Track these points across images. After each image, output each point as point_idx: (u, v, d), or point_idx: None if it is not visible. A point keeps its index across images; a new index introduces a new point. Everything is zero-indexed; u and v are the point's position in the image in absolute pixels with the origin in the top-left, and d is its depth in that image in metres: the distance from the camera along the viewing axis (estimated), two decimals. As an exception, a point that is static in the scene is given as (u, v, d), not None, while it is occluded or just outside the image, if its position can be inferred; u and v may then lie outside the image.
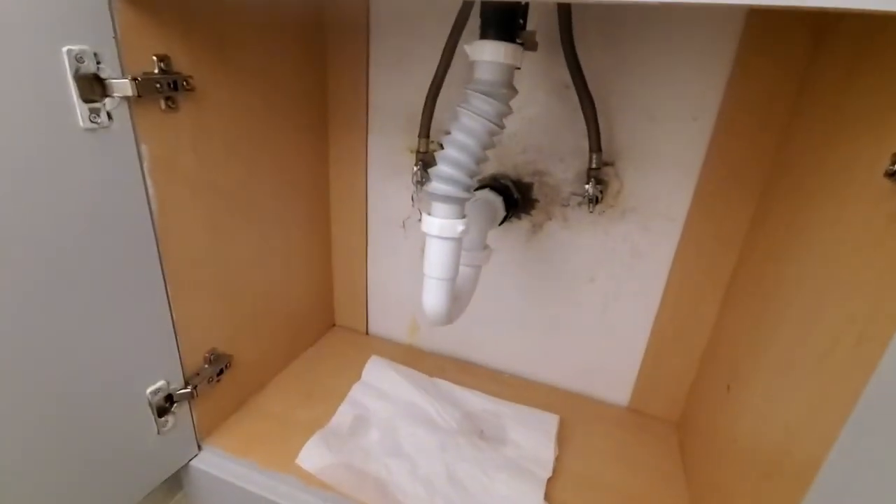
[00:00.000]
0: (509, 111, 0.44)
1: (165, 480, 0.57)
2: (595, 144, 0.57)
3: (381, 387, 0.71)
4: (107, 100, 0.41)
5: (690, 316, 0.64)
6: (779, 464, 0.39)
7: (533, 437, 0.64)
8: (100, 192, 0.43)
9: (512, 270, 0.72)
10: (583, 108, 0.56)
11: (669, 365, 0.68)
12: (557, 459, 0.62)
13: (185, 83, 0.47)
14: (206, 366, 0.59)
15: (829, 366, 0.35)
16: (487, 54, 0.41)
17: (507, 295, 0.74)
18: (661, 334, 0.67)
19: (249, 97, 0.57)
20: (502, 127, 0.43)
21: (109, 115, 0.42)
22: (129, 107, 0.43)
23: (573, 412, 0.70)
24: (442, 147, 0.44)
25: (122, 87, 0.42)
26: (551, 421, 0.67)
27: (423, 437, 0.62)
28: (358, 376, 0.73)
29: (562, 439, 0.65)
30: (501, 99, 0.42)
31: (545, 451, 0.62)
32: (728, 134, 0.55)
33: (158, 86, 0.45)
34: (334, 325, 0.89)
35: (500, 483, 0.57)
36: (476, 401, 0.71)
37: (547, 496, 0.56)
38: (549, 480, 0.58)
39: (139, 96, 0.43)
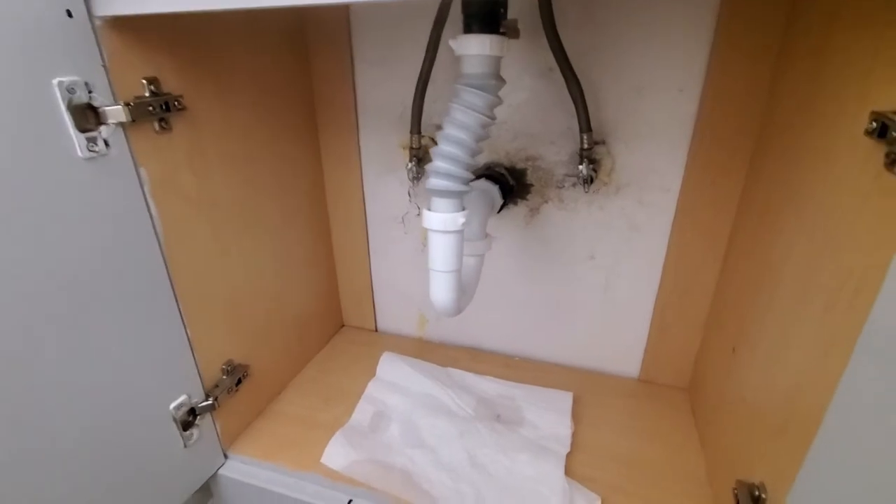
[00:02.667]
0: (499, 101, 0.44)
1: (195, 491, 0.58)
2: (585, 124, 0.57)
3: (396, 381, 0.73)
4: (102, 127, 0.42)
5: (692, 284, 0.66)
6: (785, 420, 0.41)
7: (548, 415, 0.66)
8: (106, 218, 0.43)
9: (513, 255, 0.73)
10: (569, 90, 0.56)
11: (675, 333, 0.70)
12: (574, 435, 0.64)
13: (176, 103, 0.48)
14: (225, 377, 0.60)
15: (829, 319, 0.36)
16: (473, 48, 0.42)
17: (510, 280, 0.75)
18: (665, 304, 0.69)
19: (240, 110, 0.58)
20: (494, 118, 0.44)
21: (106, 143, 0.42)
22: (125, 132, 0.44)
23: (585, 388, 0.71)
24: (434, 141, 0.44)
25: (116, 113, 0.43)
26: (565, 398, 0.69)
27: (443, 426, 0.64)
28: (372, 373, 0.75)
29: (576, 415, 0.67)
30: (491, 90, 0.43)
31: (562, 428, 0.64)
32: (715, 101, 0.56)
33: (151, 108, 0.45)
34: (343, 325, 0.90)
35: (521, 464, 0.58)
36: (490, 386, 0.72)
37: (567, 471, 0.58)
38: (568, 455, 0.60)
39: (133, 121, 0.44)
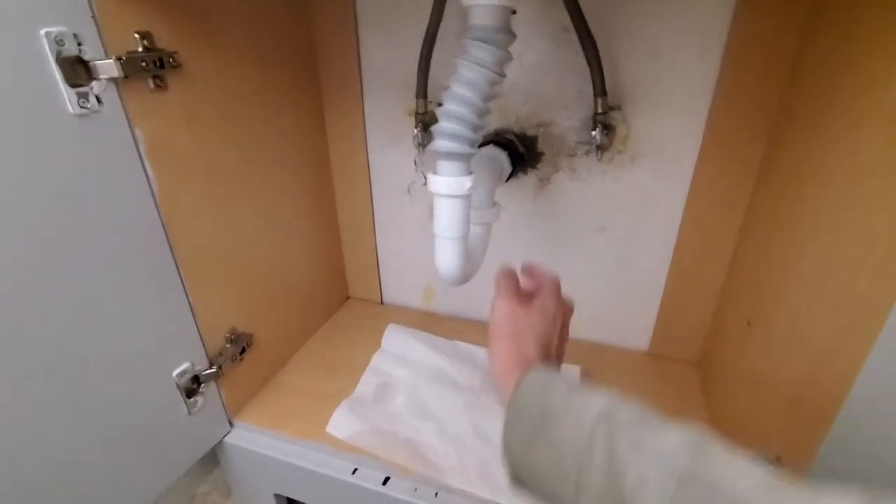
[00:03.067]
0: (509, 57, 0.42)
1: (202, 458, 0.58)
2: (599, 88, 0.54)
3: (401, 353, 0.72)
4: (94, 83, 0.40)
5: (706, 256, 0.64)
6: (805, 394, 0.39)
7: (555, 389, 0.65)
8: (100, 179, 0.42)
9: (522, 226, 0.71)
10: (584, 51, 0.53)
11: (687, 307, 0.68)
12: (581, 408, 0.63)
13: (170, 59, 0.46)
14: (228, 345, 0.59)
15: (854, 292, 0.34)
16: (481, -3, 0.39)
17: (518, 251, 0.73)
18: (678, 277, 0.67)
19: (238, 71, 0.56)
20: (503, 75, 0.42)
21: (98, 99, 0.41)
22: (118, 89, 0.42)
23: (593, 361, 0.70)
24: (440, 106, 0.42)
25: (108, 68, 0.41)
26: (572, 372, 0.68)
27: (448, 398, 0.63)
28: (377, 345, 0.74)
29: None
30: (500, 45, 0.40)
31: (569, 402, 0.63)
32: (737, 66, 0.53)
33: (144, 64, 0.43)
34: (349, 297, 0.89)
35: (526, 435, 0.58)
36: (496, 359, 0.71)
37: (574, 444, 0.57)
38: (575, 429, 0.59)
39: (126, 77, 0.42)
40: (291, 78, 0.65)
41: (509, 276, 0.41)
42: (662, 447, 0.24)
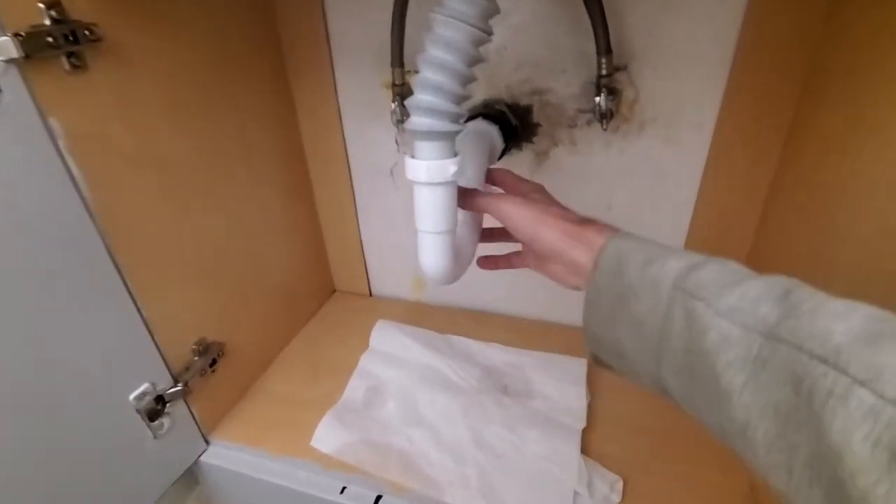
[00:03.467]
0: (496, 9, 0.34)
1: (179, 479, 0.53)
2: (604, 45, 0.47)
3: (391, 353, 0.66)
4: (-13, 66, 0.33)
5: (725, 236, 0.57)
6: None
7: (561, 385, 0.60)
8: (10, 182, 0.35)
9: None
10: (585, 2, 0.45)
11: (703, 291, 0.62)
12: (590, 407, 0.57)
13: (87, 32, 0.38)
14: (196, 358, 0.53)
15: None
16: (458, -66, 0.31)
17: (515, 237, 0.66)
18: (693, 259, 0.60)
19: (187, 47, 0.48)
20: (489, 32, 0.34)
21: (-5, 86, 0.33)
22: (20, 72, 0.35)
23: (601, 353, 0.64)
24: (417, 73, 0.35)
25: (3, 46, 0.33)
26: (579, 366, 0.62)
27: (444, 401, 0.58)
28: (366, 343, 0.68)
29: (592, 384, 0.60)
30: (483, -6, 0.33)
31: (576, 400, 0.58)
32: (763, 13, 0.45)
33: (52, 39, 0.36)
34: (334, 291, 0.83)
35: (532, 442, 0.52)
36: (495, 354, 0.66)
37: (583, 448, 0.52)
38: (584, 430, 0.54)
39: (28, 57, 0.34)
40: (252, 52, 0.57)
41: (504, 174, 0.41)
42: (744, 301, 0.22)
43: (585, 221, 0.33)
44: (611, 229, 0.32)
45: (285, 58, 0.62)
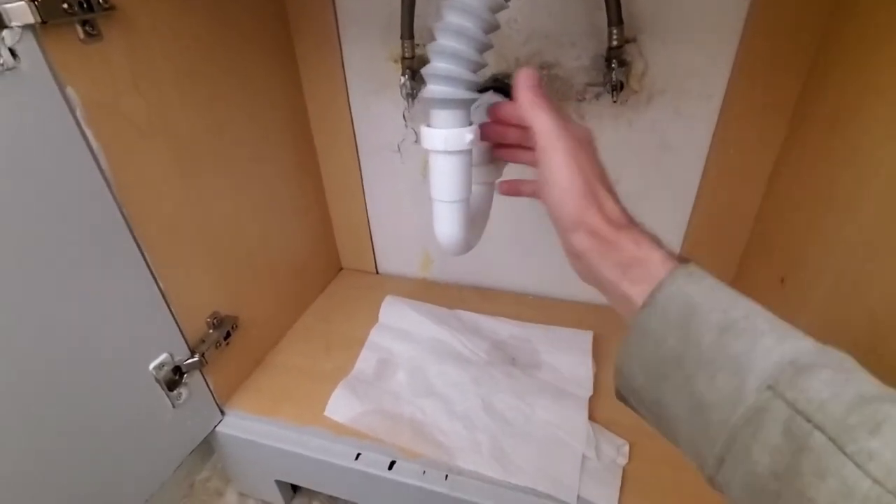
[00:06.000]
0: (513, -24, 0.34)
1: (196, 448, 0.55)
2: (615, 16, 0.47)
3: (401, 327, 0.67)
4: (5, 32, 0.33)
5: (731, 208, 0.58)
6: (862, 356, 0.35)
7: (568, 357, 0.61)
8: (29, 151, 0.35)
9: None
10: (596, -29, 0.45)
11: (708, 264, 0.62)
12: (596, 376, 0.59)
13: (101, 0, 0.38)
14: (211, 331, 0.54)
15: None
16: None
17: (523, 211, 0.67)
18: (698, 232, 0.61)
19: (193, 17, 0.48)
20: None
21: (13, 53, 0.33)
22: (37, 38, 0.35)
23: (606, 326, 0.66)
24: (433, 42, 0.35)
25: (19, 11, 0.33)
26: (585, 338, 0.63)
27: (454, 373, 0.59)
28: (374, 319, 0.69)
29: (598, 355, 0.62)
30: (501, -40, 0.33)
31: (583, 370, 0.59)
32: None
33: (67, 6, 0.36)
34: (341, 268, 0.84)
35: (541, 409, 0.54)
36: (503, 328, 0.67)
37: (591, 415, 0.54)
38: (591, 399, 0.56)
39: (44, 22, 0.34)
40: (258, 22, 0.57)
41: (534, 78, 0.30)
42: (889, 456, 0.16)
43: (622, 221, 0.27)
44: (653, 241, 0.26)
45: (292, 30, 0.62)
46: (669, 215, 0.61)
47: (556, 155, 0.28)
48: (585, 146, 0.30)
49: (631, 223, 0.27)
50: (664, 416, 0.24)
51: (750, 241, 0.59)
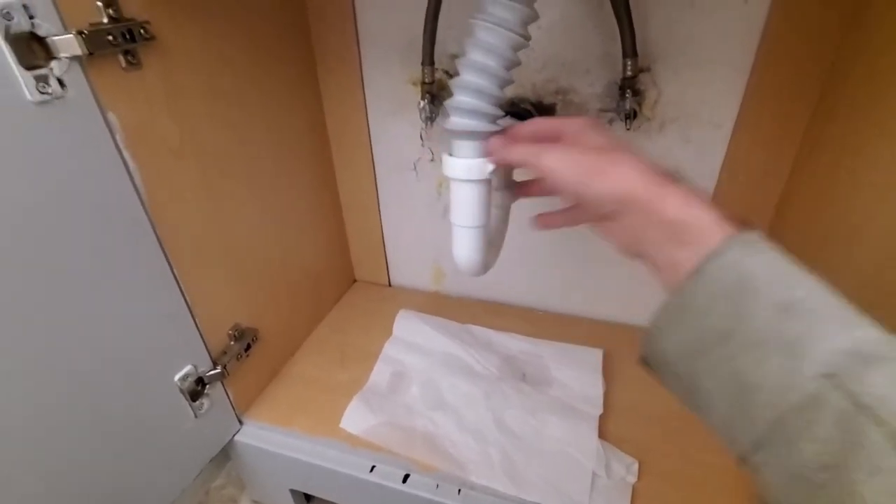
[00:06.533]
0: (535, 16, 0.36)
1: (213, 458, 0.56)
2: (630, 48, 0.48)
3: (414, 341, 0.68)
4: (53, 63, 0.35)
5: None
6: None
7: (578, 374, 0.62)
8: (73, 174, 0.37)
9: (540, 206, 0.66)
10: (613, 4, 0.47)
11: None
12: (606, 394, 0.60)
13: (142, 31, 0.40)
14: (233, 343, 0.56)
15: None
16: (502, -57, 0.33)
17: (537, 233, 0.68)
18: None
19: (221, 40, 0.49)
20: (528, 38, 0.36)
21: (61, 82, 0.35)
22: (83, 68, 0.37)
23: (617, 344, 0.67)
24: (449, 74, 0.36)
25: (68, 44, 0.35)
26: (595, 355, 0.65)
27: (465, 387, 0.60)
28: (387, 331, 0.71)
29: (608, 373, 0.63)
30: (524, 0, 0.34)
31: (593, 388, 0.60)
32: (787, 15, 0.46)
33: (111, 38, 0.38)
34: (355, 281, 0.85)
35: (551, 426, 0.55)
36: (514, 343, 0.68)
37: (601, 433, 0.55)
38: (601, 417, 0.57)
39: (91, 54, 0.36)
40: (282, 44, 0.59)
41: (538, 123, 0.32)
42: None
43: (666, 177, 0.25)
44: (704, 200, 0.23)
45: (314, 50, 0.64)
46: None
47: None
48: (590, 131, 0.30)
49: (677, 180, 0.25)
50: (696, 389, 0.22)
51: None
